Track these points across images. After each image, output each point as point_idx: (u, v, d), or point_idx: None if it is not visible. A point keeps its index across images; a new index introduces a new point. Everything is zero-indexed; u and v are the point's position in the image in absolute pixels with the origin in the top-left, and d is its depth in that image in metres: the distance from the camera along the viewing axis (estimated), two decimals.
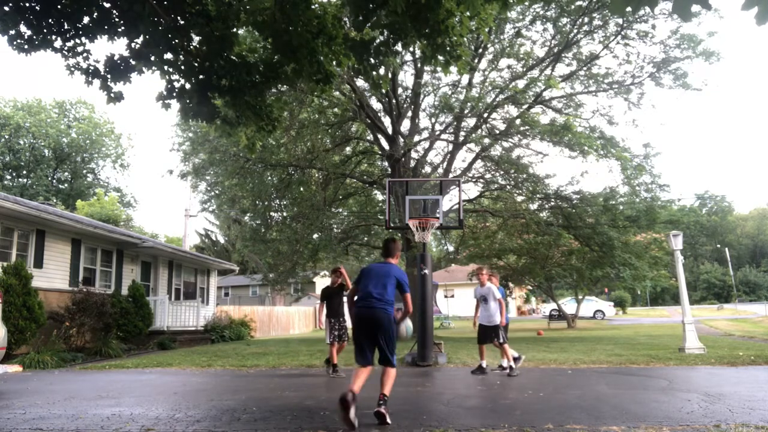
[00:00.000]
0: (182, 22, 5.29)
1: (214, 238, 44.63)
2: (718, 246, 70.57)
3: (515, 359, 7.97)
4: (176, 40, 5.30)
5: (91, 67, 5.29)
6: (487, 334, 7.94)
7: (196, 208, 28.71)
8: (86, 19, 5.00)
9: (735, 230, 79.54)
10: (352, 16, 5.20)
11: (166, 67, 5.48)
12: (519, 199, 17.48)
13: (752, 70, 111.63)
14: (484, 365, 7.93)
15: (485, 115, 16.00)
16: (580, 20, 14.82)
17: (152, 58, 5.30)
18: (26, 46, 4.92)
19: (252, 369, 9.24)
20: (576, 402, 5.32)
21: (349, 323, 6.68)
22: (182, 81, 5.65)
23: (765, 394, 5.58)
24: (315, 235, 18.35)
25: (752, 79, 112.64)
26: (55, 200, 35.93)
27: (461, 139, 16.74)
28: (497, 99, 15.67)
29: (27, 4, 4.77)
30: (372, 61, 5.56)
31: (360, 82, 15.45)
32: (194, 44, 5.49)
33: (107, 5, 4.96)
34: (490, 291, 8.05)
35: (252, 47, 6.67)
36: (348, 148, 20.34)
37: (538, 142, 16.16)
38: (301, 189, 19.05)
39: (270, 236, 19.38)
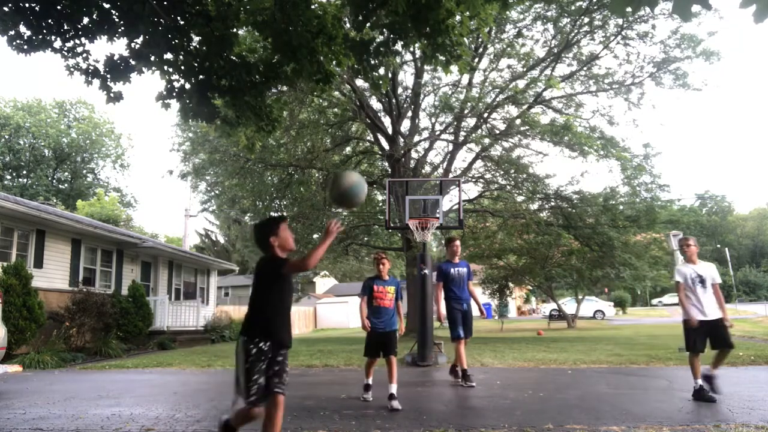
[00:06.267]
0: (182, 22, 5.29)
1: (214, 238, 44.62)
2: (718, 246, 70.51)
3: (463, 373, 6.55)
4: (176, 40, 5.30)
5: (91, 68, 5.29)
6: (716, 333, 5.30)
7: (196, 208, 28.73)
8: (86, 20, 5.00)
9: (735, 230, 79.49)
10: (352, 16, 5.20)
11: (166, 67, 5.48)
12: (519, 199, 17.48)
13: (752, 70, 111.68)
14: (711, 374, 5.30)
15: (485, 115, 16.00)
16: (581, 20, 14.82)
17: (152, 58, 5.30)
18: (26, 47, 4.93)
19: None
20: (576, 402, 5.32)
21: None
22: (182, 81, 5.65)
23: (765, 394, 5.57)
24: (315, 235, 18.35)
25: (752, 79, 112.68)
26: (55, 200, 35.90)
27: (461, 139, 16.75)
28: (497, 99, 15.67)
29: (27, 4, 4.77)
30: (372, 61, 5.56)
31: (360, 82, 15.45)
32: (194, 44, 5.49)
33: (107, 5, 4.96)
34: (711, 270, 5.54)
35: (252, 47, 6.66)
36: (348, 148, 20.35)
37: (538, 142, 16.18)
38: (301, 189, 19.06)
39: None
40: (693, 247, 5.61)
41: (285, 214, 19.90)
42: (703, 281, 5.47)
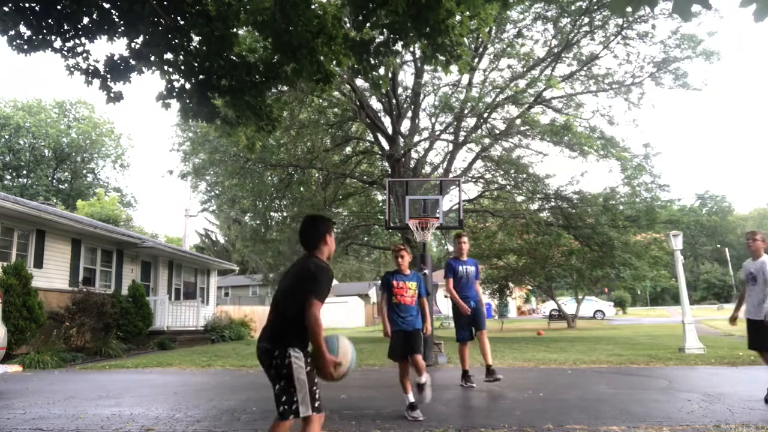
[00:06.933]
0: (182, 22, 5.29)
1: (214, 238, 44.63)
2: (718, 246, 70.58)
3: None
4: (176, 40, 5.29)
5: (91, 67, 5.29)
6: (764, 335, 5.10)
7: (196, 208, 28.72)
8: (86, 20, 4.99)
9: (735, 230, 79.46)
10: (352, 16, 5.19)
11: (166, 67, 5.48)
12: (519, 199, 17.48)
13: (752, 70, 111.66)
14: None
15: (485, 115, 15.98)
16: (580, 20, 14.81)
17: (152, 58, 5.29)
18: (26, 47, 4.92)
19: (252, 369, 9.23)
20: (576, 402, 5.32)
21: None
22: (182, 81, 5.65)
23: (765, 394, 5.57)
24: None
25: (752, 78, 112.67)
26: (55, 200, 35.89)
27: (461, 139, 16.73)
28: (497, 99, 15.66)
29: (27, 4, 4.77)
30: (372, 61, 5.55)
31: (360, 82, 15.43)
32: (194, 44, 5.49)
33: (107, 5, 4.95)
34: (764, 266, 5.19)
35: (252, 47, 6.66)
36: (348, 148, 20.34)
37: (538, 142, 16.17)
38: (301, 189, 19.06)
39: (270, 236, 19.38)
40: (759, 242, 5.32)
41: (285, 214, 19.90)
42: (753, 278, 5.24)
